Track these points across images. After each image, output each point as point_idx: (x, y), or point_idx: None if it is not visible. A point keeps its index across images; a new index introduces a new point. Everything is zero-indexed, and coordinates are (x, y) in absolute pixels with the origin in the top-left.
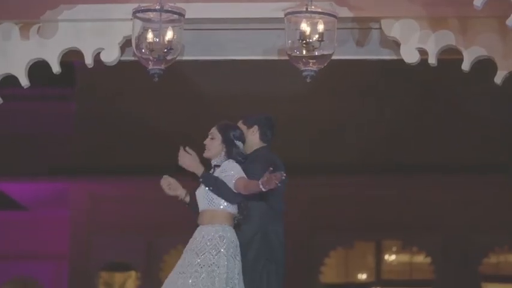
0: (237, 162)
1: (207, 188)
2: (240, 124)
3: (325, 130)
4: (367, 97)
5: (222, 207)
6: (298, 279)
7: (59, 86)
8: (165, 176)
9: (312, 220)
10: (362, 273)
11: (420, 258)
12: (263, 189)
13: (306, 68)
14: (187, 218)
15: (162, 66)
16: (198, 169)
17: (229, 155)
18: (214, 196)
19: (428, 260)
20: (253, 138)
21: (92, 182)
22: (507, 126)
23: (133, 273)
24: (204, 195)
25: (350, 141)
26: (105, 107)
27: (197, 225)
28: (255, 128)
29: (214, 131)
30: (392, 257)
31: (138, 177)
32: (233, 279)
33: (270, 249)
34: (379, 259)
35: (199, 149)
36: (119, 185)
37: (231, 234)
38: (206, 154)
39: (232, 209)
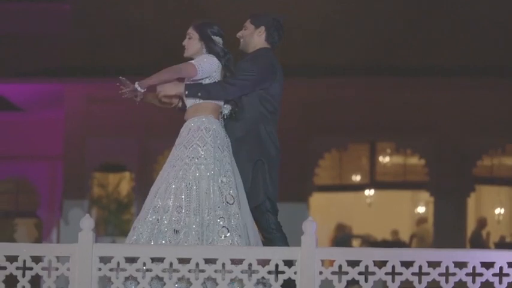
0: (217, 57)
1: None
2: (247, 23)
3: (321, 31)
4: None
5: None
6: (293, 181)
7: None
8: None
9: (307, 122)
10: (356, 175)
11: (414, 160)
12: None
13: None
14: (181, 119)
15: None
16: (179, 88)
17: (210, 51)
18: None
19: (423, 162)
20: (259, 39)
21: (87, 83)
22: (505, 28)
23: (127, 174)
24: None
25: (346, 43)
26: (101, 7)
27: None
28: (262, 28)
29: (190, 30)
30: (387, 159)
31: (134, 78)
32: (225, 170)
33: (262, 149)
34: (373, 161)
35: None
36: (114, 86)
37: (217, 126)
38: (186, 54)
39: (218, 101)
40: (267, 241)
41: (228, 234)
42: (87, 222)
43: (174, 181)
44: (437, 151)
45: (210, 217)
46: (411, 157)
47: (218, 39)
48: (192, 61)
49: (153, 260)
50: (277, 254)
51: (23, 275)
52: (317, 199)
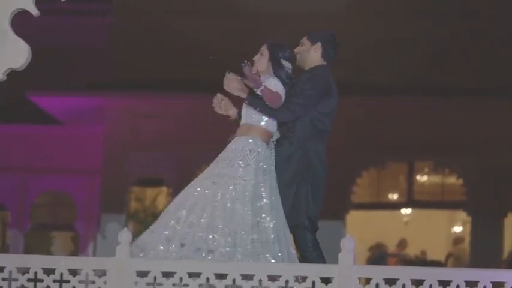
0: (281, 81)
1: (252, 108)
2: (304, 40)
3: (361, 49)
4: (406, 16)
5: (262, 123)
6: (330, 199)
7: (94, 1)
8: (218, 94)
9: (345, 140)
10: (393, 194)
11: (452, 180)
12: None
13: None
14: (221, 134)
15: None
16: (244, 92)
17: (275, 73)
18: (254, 112)
19: (461, 181)
20: (315, 55)
21: (128, 97)
22: None
23: (164, 189)
24: (245, 112)
25: (385, 62)
26: (142, 21)
27: None
28: (318, 45)
29: (263, 48)
30: (424, 178)
31: (174, 93)
32: (263, 194)
33: (307, 168)
34: (411, 180)
35: (237, 65)
36: (155, 100)
37: (262, 149)
38: (254, 69)
39: (271, 127)
40: (303, 259)
41: (261, 256)
42: (125, 236)
43: (212, 199)
44: (476, 171)
45: (243, 239)
46: (449, 176)
47: (287, 64)
48: (281, 92)
49: (190, 275)
50: (314, 271)
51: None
52: (354, 217)
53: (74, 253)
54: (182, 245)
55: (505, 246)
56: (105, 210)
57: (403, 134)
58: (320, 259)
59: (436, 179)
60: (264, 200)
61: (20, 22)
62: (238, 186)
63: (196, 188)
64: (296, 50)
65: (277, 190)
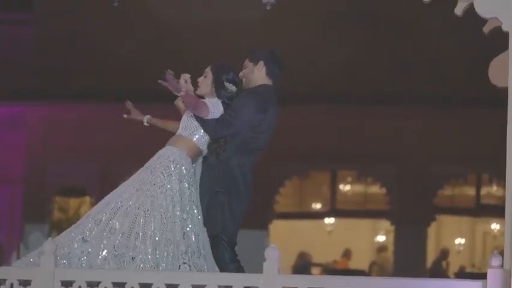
0: (223, 103)
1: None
2: (247, 62)
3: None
4: (326, 26)
5: (195, 138)
6: (253, 208)
7: (15, 10)
8: (127, 102)
9: (269, 149)
10: (316, 203)
11: (375, 189)
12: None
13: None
14: (142, 144)
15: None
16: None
17: (218, 95)
18: (191, 126)
19: (384, 190)
20: (259, 75)
21: (48, 107)
22: (471, 58)
23: (87, 199)
24: (184, 123)
25: (307, 71)
26: (64, 30)
27: None
28: (261, 63)
29: (207, 69)
30: (347, 187)
31: (95, 103)
32: (187, 205)
33: (226, 181)
34: (334, 189)
35: (155, 79)
36: (76, 110)
37: (186, 163)
38: (197, 91)
39: (201, 144)
40: (222, 271)
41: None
42: (50, 246)
43: (134, 205)
44: (399, 180)
45: (169, 250)
46: (372, 185)
47: (231, 87)
48: (209, 103)
49: (115, 284)
50: (238, 280)
51: None
52: (278, 226)
53: None
54: (99, 247)
55: (428, 255)
56: (28, 220)
57: (325, 143)
58: (239, 271)
59: (359, 188)
60: (189, 213)
61: None
62: (160, 195)
63: (120, 194)
64: (241, 74)
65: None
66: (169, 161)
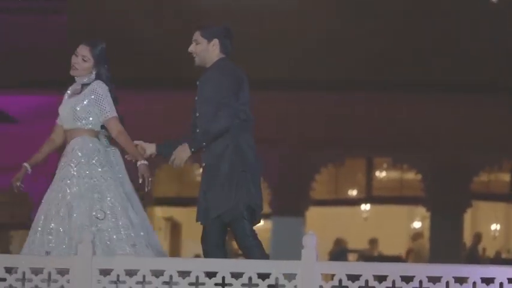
0: (107, 84)
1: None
2: (199, 37)
3: (314, 46)
4: (359, 14)
5: (89, 126)
6: (290, 195)
7: None
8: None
9: (304, 137)
10: (352, 190)
11: (411, 175)
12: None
13: None
14: (178, 134)
15: None
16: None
17: (98, 76)
18: (78, 116)
19: (419, 177)
20: (213, 52)
21: None
22: (503, 45)
23: None
24: (69, 116)
25: (343, 59)
26: (98, 19)
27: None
28: (216, 41)
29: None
30: (383, 174)
31: (130, 91)
32: (99, 185)
33: (244, 160)
34: (369, 176)
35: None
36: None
37: (93, 144)
38: (73, 72)
39: (96, 126)
40: (244, 249)
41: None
42: (87, 235)
43: (53, 203)
44: (434, 166)
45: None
46: (407, 172)
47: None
48: (111, 116)
49: (153, 273)
50: (277, 267)
51: (23, 287)
52: (314, 213)
53: None
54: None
55: (464, 241)
56: None
57: (361, 131)
58: (260, 248)
59: (395, 174)
60: (102, 192)
61: None
62: (72, 186)
63: (48, 195)
64: (191, 48)
65: (125, 179)
66: (75, 150)
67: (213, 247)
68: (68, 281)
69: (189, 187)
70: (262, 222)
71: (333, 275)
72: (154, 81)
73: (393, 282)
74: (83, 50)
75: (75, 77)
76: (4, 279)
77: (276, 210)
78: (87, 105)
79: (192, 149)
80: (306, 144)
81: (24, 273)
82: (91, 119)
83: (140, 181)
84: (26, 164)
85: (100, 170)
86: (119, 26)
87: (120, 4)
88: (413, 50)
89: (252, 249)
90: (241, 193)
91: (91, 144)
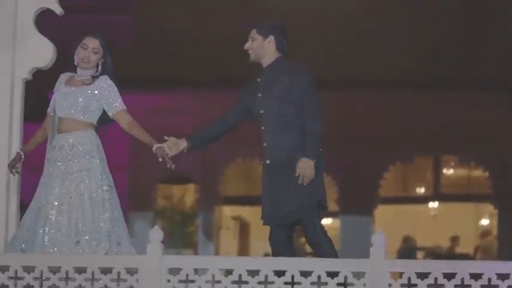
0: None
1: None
2: (255, 35)
3: (369, 46)
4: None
5: (89, 119)
6: (358, 194)
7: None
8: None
9: (372, 135)
10: (420, 187)
11: (478, 173)
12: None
13: None
14: (245, 132)
15: None
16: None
17: (105, 66)
18: (84, 108)
19: (486, 174)
20: (270, 49)
21: (151, 95)
22: None
23: (192, 186)
24: (69, 105)
25: (398, 56)
26: (164, 18)
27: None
28: (271, 38)
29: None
30: (451, 171)
31: (195, 90)
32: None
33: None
34: (437, 173)
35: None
36: (176, 97)
37: (94, 138)
38: (85, 66)
39: (95, 121)
40: (314, 245)
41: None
42: (156, 234)
43: (62, 196)
44: (502, 164)
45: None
46: (475, 169)
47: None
48: (120, 109)
49: (223, 271)
50: (346, 265)
51: (92, 287)
52: (382, 211)
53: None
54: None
55: None
56: (132, 208)
57: (429, 128)
58: (330, 243)
59: (462, 172)
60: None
61: (45, 21)
62: (86, 178)
63: (44, 189)
64: (247, 45)
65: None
66: (84, 144)
67: (281, 245)
68: (137, 281)
69: (257, 186)
70: (330, 220)
71: (401, 273)
72: (222, 81)
73: (462, 279)
74: (93, 42)
75: (80, 69)
76: (74, 279)
77: (344, 208)
78: (91, 99)
79: (315, 160)
80: (374, 143)
81: (93, 273)
82: (93, 113)
83: (160, 159)
84: (19, 151)
85: (99, 162)
86: (186, 26)
87: (187, 2)
88: (476, 46)
89: (323, 245)
90: (311, 190)
91: (93, 139)
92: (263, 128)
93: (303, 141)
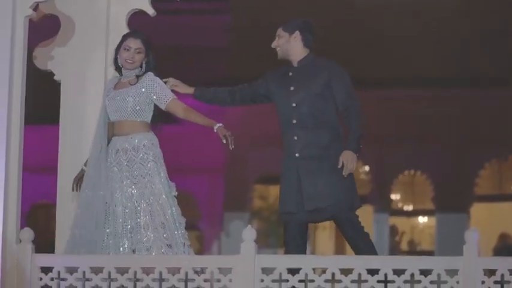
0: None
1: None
2: (280, 32)
3: (461, 42)
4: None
5: (144, 119)
6: (454, 192)
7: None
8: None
9: (467, 133)
10: None
11: None
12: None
13: None
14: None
15: None
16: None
17: (149, 64)
18: (137, 108)
19: None
20: (296, 44)
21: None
22: None
23: None
24: (124, 106)
25: (488, 54)
26: (258, 21)
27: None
28: (297, 33)
29: (138, 44)
30: None
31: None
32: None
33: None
34: None
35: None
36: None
37: (152, 138)
38: (130, 66)
39: (149, 120)
40: (357, 240)
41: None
42: (249, 234)
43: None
44: None
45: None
46: None
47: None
48: (171, 98)
49: (316, 270)
50: (440, 263)
51: (185, 287)
52: (478, 209)
53: (200, 252)
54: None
55: None
56: (228, 209)
57: None
58: (369, 237)
59: None
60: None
61: (137, 22)
62: (152, 185)
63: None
64: (274, 43)
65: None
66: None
67: (292, 241)
68: (231, 280)
69: None
70: (426, 218)
71: (495, 270)
72: None
73: None
74: (135, 43)
75: (125, 70)
76: (167, 279)
77: (440, 206)
78: (140, 97)
79: (357, 154)
80: (469, 141)
81: (187, 274)
82: (145, 112)
83: (224, 141)
84: (84, 167)
85: (158, 165)
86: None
87: (285, 2)
88: None
89: (366, 238)
90: (348, 185)
91: (151, 140)
92: (295, 121)
93: (337, 138)
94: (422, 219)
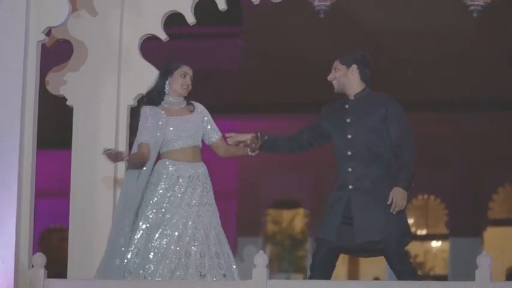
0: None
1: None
2: (338, 65)
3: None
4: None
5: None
6: (467, 216)
7: (226, 24)
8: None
9: (480, 157)
10: None
11: None
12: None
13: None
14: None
15: (328, 3)
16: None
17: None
18: (200, 134)
19: None
20: (353, 78)
21: (260, 120)
22: None
23: (301, 211)
24: (194, 133)
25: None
26: (273, 42)
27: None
28: (354, 67)
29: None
30: None
31: (304, 114)
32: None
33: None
34: None
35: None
36: (286, 121)
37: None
38: (186, 93)
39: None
40: (405, 274)
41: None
42: (261, 259)
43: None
44: None
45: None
46: None
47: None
48: (221, 134)
49: None
50: None
51: None
52: (492, 233)
53: None
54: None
55: None
56: (241, 233)
57: None
58: (415, 271)
59: None
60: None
61: (149, 47)
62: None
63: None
64: (331, 76)
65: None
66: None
67: (320, 265)
68: None
69: None
70: (439, 243)
71: None
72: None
73: None
74: (190, 70)
75: (172, 97)
76: None
77: (453, 230)
78: (201, 125)
79: (408, 192)
80: (482, 164)
81: None
82: (201, 138)
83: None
84: (126, 155)
85: (212, 195)
86: (294, 47)
87: (297, 25)
88: None
89: (413, 272)
90: (399, 219)
91: (205, 169)
92: (349, 153)
93: (390, 172)
94: (435, 244)
